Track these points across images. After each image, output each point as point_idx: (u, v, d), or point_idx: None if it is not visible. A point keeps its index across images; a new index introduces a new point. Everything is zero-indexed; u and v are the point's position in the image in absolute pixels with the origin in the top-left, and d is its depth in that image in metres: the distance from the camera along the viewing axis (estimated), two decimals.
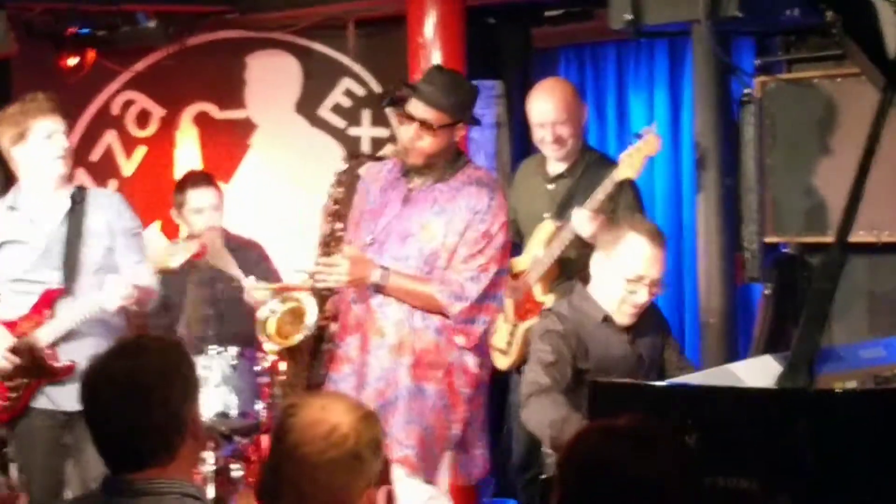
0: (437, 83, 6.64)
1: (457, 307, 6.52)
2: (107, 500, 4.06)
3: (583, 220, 7.27)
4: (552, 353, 6.40)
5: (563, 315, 6.55)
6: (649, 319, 6.68)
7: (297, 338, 6.57)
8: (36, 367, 6.95)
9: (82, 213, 7.09)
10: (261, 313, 6.85)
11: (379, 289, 6.54)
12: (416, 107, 6.56)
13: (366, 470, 3.70)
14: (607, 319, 6.52)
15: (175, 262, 7.05)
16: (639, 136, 7.47)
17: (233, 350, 7.84)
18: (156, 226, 7.67)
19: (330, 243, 6.60)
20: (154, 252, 7.08)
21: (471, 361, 6.66)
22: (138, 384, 4.02)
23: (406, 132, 6.62)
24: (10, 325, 6.96)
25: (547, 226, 7.63)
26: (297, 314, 6.61)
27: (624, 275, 6.44)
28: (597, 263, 6.62)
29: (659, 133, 7.56)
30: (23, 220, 7.10)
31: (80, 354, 6.75)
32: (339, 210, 6.65)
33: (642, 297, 6.49)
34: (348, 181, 6.74)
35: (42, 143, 6.98)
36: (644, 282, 6.45)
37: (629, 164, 7.35)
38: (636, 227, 6.57)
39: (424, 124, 6.54)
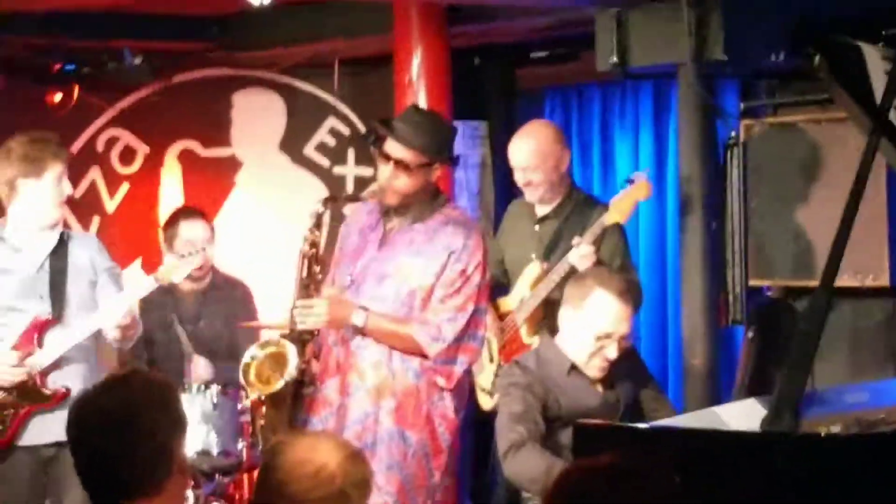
0: (413, 123, 6.62)
1: (435, 348, 6.49)
2: None
3: (584, 256, 7.30)
4: (520, 404, 6.38)
5: (527, 367, 6.53)
6: (624, 363, 6.66)
7: (279, 384, 6.54)
8: (28, 394, 6.97)
9: (67, 249, 7.15)
10: (244, 358, 6.86)
11: (359, 330, 6.51)
12: (392, 146, 6.54)
13: None
14: (574, 368, 6.49)
15: (178, 276, 7.21)
16: (630, 182, 7.51)
17: (214, 388, 7.83)
18: (138, 262, 7.67)
19: (309, 286, 6.55)
20: (163, 267, 7.17)
21: (450, 407, 6.64)
22: (127, 417, 4.03)
23: (383, 172, 6.61)
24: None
25: (534, 267, 7.64)
26: (278, 359, 6.58)
27: (593, 332, 6.43)
28: (565, 317, 6.58)
29: (649, 180, 7.62)
30: (9, 251, 7.14)
31: (68, 383, 6.89)
32: (316, 253, 6.63)
33: (612, 352, 6.45)
34: (326, 223, 6.74)
35: (53, 185, 7.06)
36: (613, 338, 6.43)
37: (619, 209, 7.39)
38: (604, 284, 6.52)
39: (400, 164, 6.52)
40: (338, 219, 6.83)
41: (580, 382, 6.51)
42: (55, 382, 6.97)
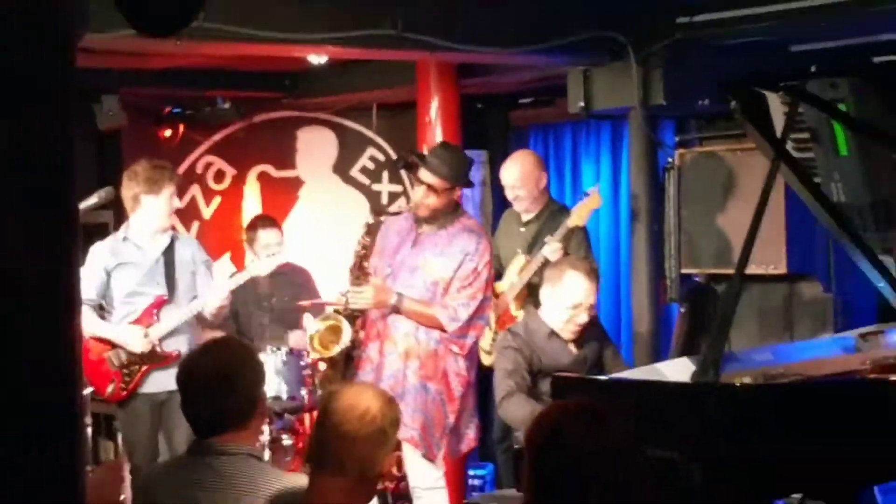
0: (441, 157, 6.64)
1: (452, 326, 6.53)
2: (193, 460, 4.11)
3: (555, 250, 7.32)
4: (511, 363, 6.51)
5: (517, 332, 6.66)
6: (592, 330, 6.72)
7: (336, 350, 6.60)
8: (149, 356, 7.07)
9: (175, 247, 7.22)
10: (309, 330, 6.91)
11: (395, 309, 6.56)
12: (424, 174, 6.58)
13: (389, 442, 3.71)
14: (553, 333, 6.59)
15: (264, 271, 7.52)
16: (586, 194, 7.54)
17: (284, 349, 7.84)
18: (226, 256, 7.70)
19: (359, 276, 6.62)
20: (254, 264, 7.49)
21: (463, 366, 6.65)
22: (224, 372, 4.07)
23: (417, 192, 6.66)
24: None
25: (520, 259, 7.66)
26: (335, 331, 6.63)
27: (566, 303, 6.52)
28: (545, 294, 6.67)
29: (602, 191, 7.63)
30: (132, 248, 7.20)
31: (180, 346, 7.04)
32: (367, 253, 6.69)
33: (583, 318, 6.57)
34: (373, 231, 6.78)
35: (168, 200, 7.16)
36: (583, 307, 6.53)
37: (578, 215, 7.43)
38: (575, 267, 6.65)
39: (430, 188, 6.57)
40: (376, 228, 6.83)
41: (557, 344, 6.57)
42: (168, 347, 7.04)
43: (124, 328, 7.11)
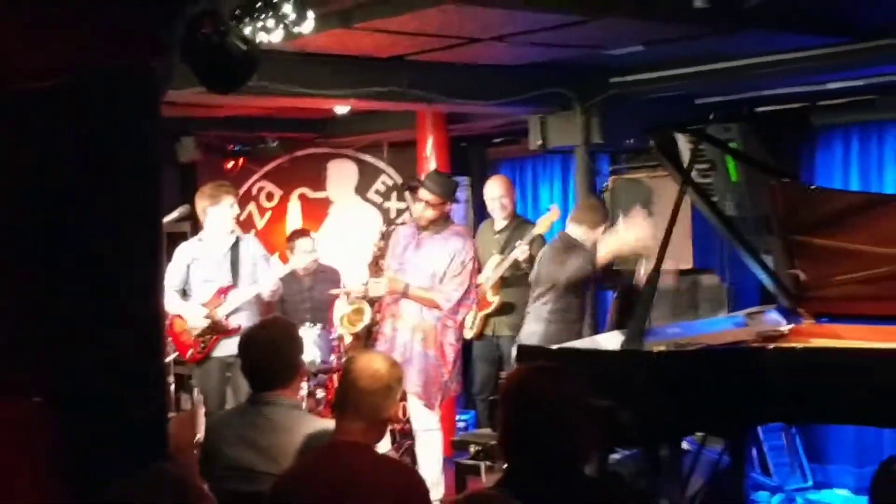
0: (434, 180, 6.68)
1: (447, 305, 6.56)
2: (249, 408, 4.12)
3: (523, 251, 7.33)
4: None
5: None
6: None
7: (360, 327, 6.66)
8: (218, 328, 7.06)
9: (239, 245, 7.20)
10: (337, 311, 6.96)
11: (404, 295, 6.58)
12: (423, 193, 6.60)
13: (394, 394, 3.70)
14: None
15: (302, 265, 7.76)
16: (549, 209, 7.54)
17: (318, 326, 7.84)
18: (276, 256, 7.74)
19: (376, 271, 6.68)
20: (293, 260, 7.57)
21: (454, 338, 6.67)
22: (273, 343, 4.07)
23: (418, 207, 6.67)
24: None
25: (495, 258, 7.64)
26: (358, 312, 6.69)
27: (597, 237, 6.84)
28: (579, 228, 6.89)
29: (559, 209, 7.63)
30: (206, 247, 7.21)
31: (242, 321, 6.96)
32: (381, 253, 6.74)
33: None
34: (386, 237, 6.82)
35: (227, 209, 7.15)
36: None
37: (542, 225, 7.42)
38: None
39: (428, 203, 6.58)
40: (388, 236, 6.89)
41: None
42: (234, 321, 7.02)
43: (191, 307, 7.12)
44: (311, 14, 4.27)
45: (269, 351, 4.04)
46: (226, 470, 4.03)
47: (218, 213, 7.13)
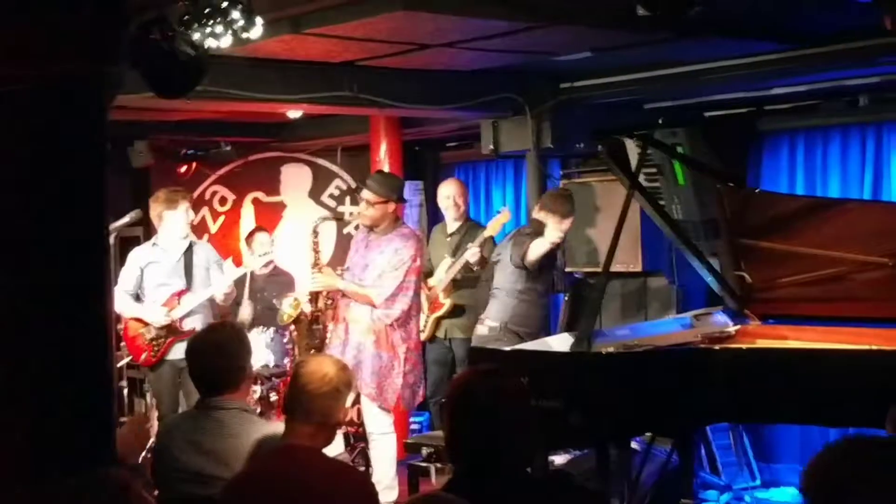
0: (376, 180, 6.68)
1: (379, 300, 6.48)
2: (198, 412, 4.10)
3: (474, 254, 7.34)
4: None
5: None
6: None
7: (295, 312, 6.76)
8: (172, 331, 7.05)
9: (193, 251, 7.22)
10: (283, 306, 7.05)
11: (340, 291, 6.65)
12: (365, 193, 6.61)
13: (343, 398, 3.69)
14: None
15: (256, 267, 7.87)
16: (499, 212, 7.55)
17: (271, 330, 7.83)
18: (229, 260, 7.72)
19: (315, 266, 6.69)
20: (248, 260, 7.72)
21: (403, 338, 6.62)
22: (221, 347, 4.05)
23: (360, 207, 6.68)
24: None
25: (446, 261, 7.65)
26: (296, 304, 6.75)
27: (565, 228, 7.06)
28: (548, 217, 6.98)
29: (509, 211, 7.65)
30: (159, 251, 7.21)
31: (196, 325, 6.93)
32: (317, 249, 6.76)
33: None
34: (320, 233, 6.87)
35: (184, 213, 7.18)
36: None
37: (493, 227, 7.43)
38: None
39: (369, 202, 6.57)
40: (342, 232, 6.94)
41: None
42: (187, 325, 7.01)
43: (151, 308, 7.11)
44: (259, 20, 4.26)
45: (217, 355, 4.03)
46: (176, 474, 4.01)
47: (174, 217, 7.12)
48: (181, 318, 7.07)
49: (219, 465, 3.89)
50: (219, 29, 4.17)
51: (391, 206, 6.67)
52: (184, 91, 4.02)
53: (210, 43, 4.17)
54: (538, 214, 7.05)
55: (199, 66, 4.04)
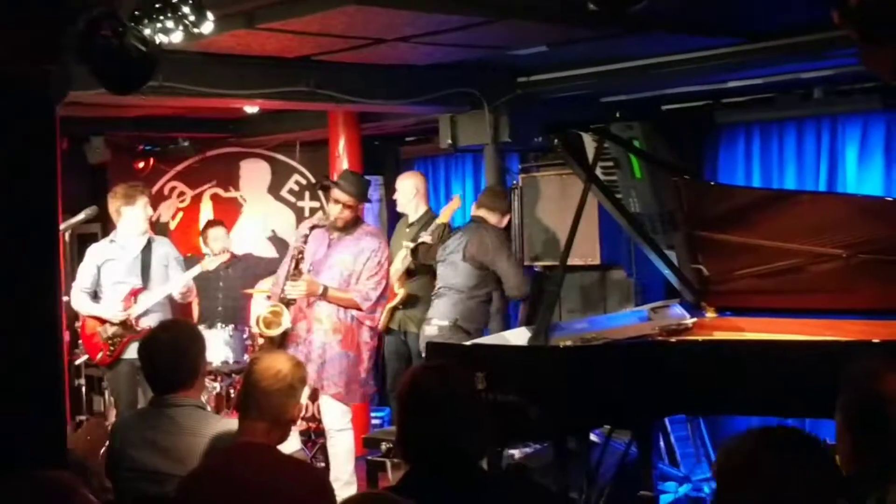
0: (349, 181, 6.63)
1: (365, 305, 6.50)
2: (153, 410, 4.09)
3: (427, 241, 7.41)
4: None
5: None
6: None
7: (278, 331, 6.52)
8: (129, 328, 6.99)
9: (151, 247, 7.14)
10: (254, 312, 6.90)
11: (323, 297, 6.49)
12: (339, 194, 6.55)
13: (297, 394, 3.68)
14: None
15: (213, 266, 7.59)
16: (451, 199, 7.56)
17: (230, 326, 7.80)
18: (188, 255, 7.69)
19: (295, 274, 6.55)
20: (206, 260, 7.54)
21: (369, 337, 6.63)
22: (174, 345, 4.03)
23: (334, 209, 6.62)
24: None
25: (402, 252, 7.59)
26: (276, 315, 6.55)
27: (504, 224, 7.20)
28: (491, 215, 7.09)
29: (460, 198, 7.68)
30: (117, 248, 7.13)
31: (153, 323, 6.74)
32: (301, 255, 6.62)
33: None
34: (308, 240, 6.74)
35: (142, 209, 7.11)
36: None
37: (445, 214, 7.44)
38: None
39: (346, 205, 6.54)
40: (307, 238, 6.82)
41: None
42: (144, 323, 6.95)
43: (107, 306, 7.04)
44: (210, 15, 4.22)
45: (170, 353, 4.00)
46: (131, 472, 3.99)
47: (132, 213, 7.06)
48: (138, 317, 7.01)
49: (174, 462, 3.87)
50: (169, 24, 4.13)
51: (361, 207, 6.69)
52: (135, 87, 3.97)
53: (161, 38, 4.13)
54: (478, 212, 7.10)
55: (150, 61, 3.99)
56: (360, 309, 6.52)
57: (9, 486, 2.03)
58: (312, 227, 6.77)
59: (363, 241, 6.57)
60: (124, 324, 6.99)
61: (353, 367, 6.55)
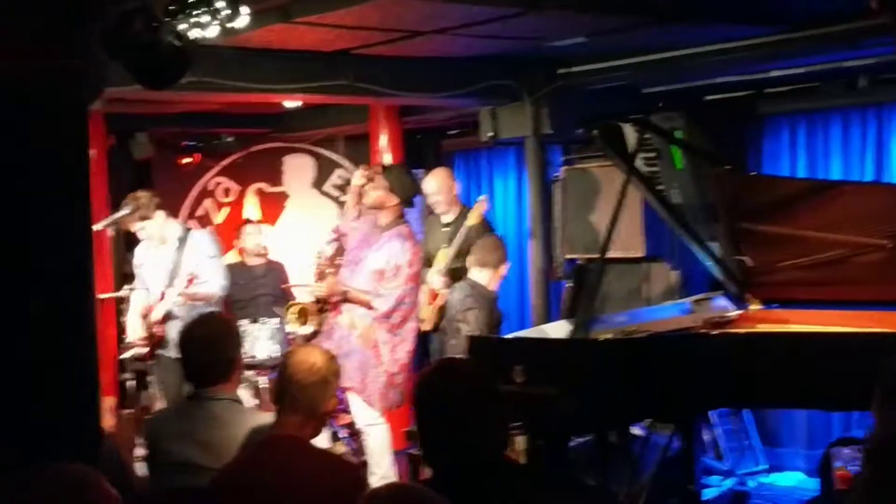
0: (392, 169, 6.72)
1: (382, 308, 6.41)
2: (190, 404, 4.12)
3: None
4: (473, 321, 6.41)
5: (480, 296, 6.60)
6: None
7: (310, 329, 6.55)
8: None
9: (183, 248, 7.10)
10: (289, 310, 6.92)
11: (345, 298, 6.48)
12: (378, 181, 6.56)
13: (331, 388, 3.70)
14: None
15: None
16: (477, 201, 7.45)
17: (275, 321, 7.83)
18: (233, 251, 7.73)
19: (322, 274, 6.55)
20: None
21: (388, 338, 6.50)
22: (209, 339, 4.05)
23: (371, 193, 6.60)
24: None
25: (443, 251, 7.52)
26: (303, 313, 6.60)
27: (503, 273, 6.56)
28: (480, 271, 6.64)
29: (507, 198, 7.62)
30: (151, 250, 7.20)
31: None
32: (331, 261, 6.63)
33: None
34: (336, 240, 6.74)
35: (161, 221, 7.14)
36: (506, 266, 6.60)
37: (473, 217, 7.31)
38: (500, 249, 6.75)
39: (377, 187, 6.56)
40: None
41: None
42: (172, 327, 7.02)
43: (133, 314, 7.17)
44: (245, 9, 4.23)
45: (206, 347, 4.02)
46: (168, 465, 4.03)
47: (152, 226, 7.12)
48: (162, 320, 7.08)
49: (210, 455, 3.89)
50: (204, 18, 4.14)
51: (393, 199, 6.59)
52: (169, 82, 3.99)
53: (195, 33, 4.15)
54: (473, 268, 6.82)
55: (185, 56, 4.01)
56: (375, 311, 6.48)
57: (28, 478, 2.03)
58: (337, 235, 6.77)
59: (392, 241, 6.50)
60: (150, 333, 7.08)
61: (369, 366, 6.48)
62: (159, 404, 7.45)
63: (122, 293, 7.49)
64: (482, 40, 6.24)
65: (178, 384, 7.06)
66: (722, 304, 6.05)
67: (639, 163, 6.02)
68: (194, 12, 4.11)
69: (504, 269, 6.78)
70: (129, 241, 7.53)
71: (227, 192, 9.93)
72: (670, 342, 5.39)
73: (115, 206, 7.41)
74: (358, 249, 6.64)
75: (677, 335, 5.56)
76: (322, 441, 6.38)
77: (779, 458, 7.44)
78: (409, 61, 6.83)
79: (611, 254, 5.75)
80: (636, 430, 6.17)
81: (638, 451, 5.91)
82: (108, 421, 7.29)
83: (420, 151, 9.44)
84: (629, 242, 7.41)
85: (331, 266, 6.68)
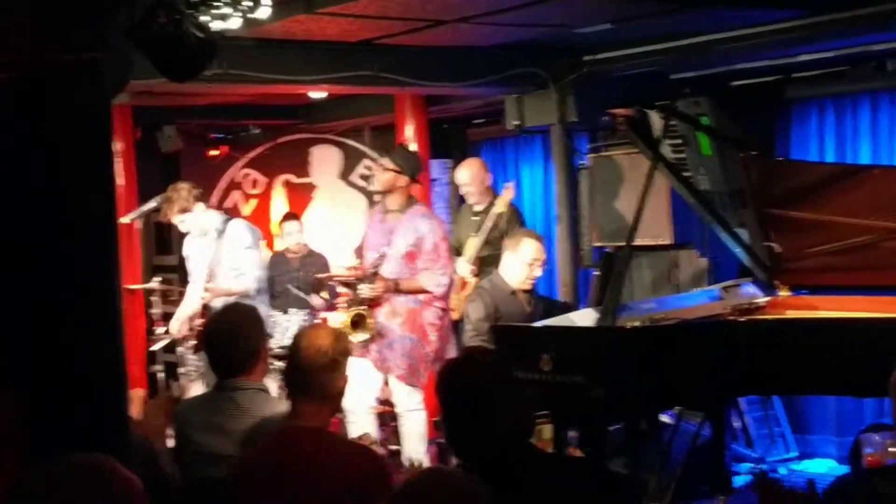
0: (395, 150, 6.74)
1: (439, 290, 6.48)
2: (216, 394, 4.13)
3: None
4: (481, 311, 6.25)
5: (485, 289, 6.36)
6: (536, 294, 6.57)
7: (363, 337, 6.50)
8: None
9: (225, 236, 7.12)
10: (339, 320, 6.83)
11: (397, 291, 6.48)
12: (385, 162, 6.59)
13: (341, 367, 3.65)
14: (514, 293, 6.30)
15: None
16: (504, 188, 7.49)
17: (304, 311, 7.84)
18: (263, 243, 7.77)
19: (372, 276, 6.49)
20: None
21: (434, 317, 6.56)
22: (233, 330, 4.05)
23: (380, 177, 6.64)
24: None
25: (473, 240, 7.53)
26: (363, 317, 6.55)
27: (525, 260, 6.25)
28: (507, 259, 6.37)
29: (534, 186, 7.58)
30: (193, 242, 7.27)
31: None
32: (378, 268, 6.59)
33: (537, 271, 6.32)
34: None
35: (201, 213, 7.15)
36: (538, 262, 6.29)
37: (500, 204, 7.32)
38: (527, 234, 6.50)
39: (383, 167, 6.59)
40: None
41: (515, 300, 6.32)
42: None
43: (184, 308, 7.26)
44: (267, 0, 4.22)
45: (231, 337, 4.02)
46: (195, 455, 4.04)
47: (191, 219, 7.14)
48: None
49: (237, 445, 3.89)
50: (226, 10, 4.14)
51: (403, 180, 6.58)
52: (193, 74, 3.98)
53: (218, 25, 4.14)
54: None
55: (208, 48, 4.00)
56: (432, 294, 6.49)
57: (46, 469, 2.04)
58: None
59: (414, 220, 6.52)
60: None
61: (418, 350, 6.53)
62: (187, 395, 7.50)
63: (150, 285, 7.51)
64: (506, 28, 6.22)
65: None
66: (751, 291, 6.02)
67: (665, 150, 6.01)
68: (216, 3, 4.11)
69: (529, 258, 6.43)
70: (160, 234, 7.55)
71: (254, 183, 9.96)
72: (699, 329, 5.36)
73: (144, 199, 7.45)
74: (378, 243, 6.65)
75: (706, 322, 5.53)
76: (368, 426, 6.39)
77: (810, 445, 7.40)
78: (433, 51, 6.82)
79: (639, 241, 5.74)
80: (665, 418, 6.15)
81: (667, 439, 5.89)
82: (136, 411, 7.32)
83: (446, 140, 9.43)
84: (657, 230, 7.38)
85: (379, 262, 6.62)
